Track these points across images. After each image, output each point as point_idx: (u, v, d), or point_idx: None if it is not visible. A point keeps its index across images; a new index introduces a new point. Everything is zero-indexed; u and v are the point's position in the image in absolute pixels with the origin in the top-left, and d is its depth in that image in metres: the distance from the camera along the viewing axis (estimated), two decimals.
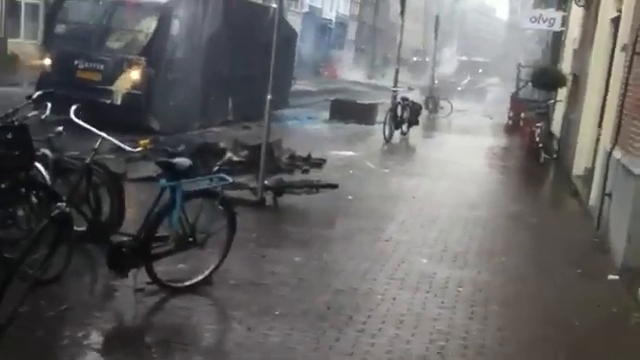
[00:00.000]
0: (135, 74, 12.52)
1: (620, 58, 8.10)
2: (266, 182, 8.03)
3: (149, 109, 12.55)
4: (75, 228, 4.79)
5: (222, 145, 10.52)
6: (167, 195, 4.83)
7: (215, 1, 14.65)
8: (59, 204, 4.55)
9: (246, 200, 7.65)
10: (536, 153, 13.50)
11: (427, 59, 44.89)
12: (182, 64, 13.42)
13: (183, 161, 5.00)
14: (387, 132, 15.28)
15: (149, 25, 13.03)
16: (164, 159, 5.22)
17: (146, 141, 5.51)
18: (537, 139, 13.59)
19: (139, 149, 5.54)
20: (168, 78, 13.01)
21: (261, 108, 8.28)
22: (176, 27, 13.36)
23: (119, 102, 12.42)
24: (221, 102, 15.12)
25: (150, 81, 12.63)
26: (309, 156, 10.92)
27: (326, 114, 19.33)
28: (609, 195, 7.17)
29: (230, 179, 5.38)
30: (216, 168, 8.88)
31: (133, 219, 5.54)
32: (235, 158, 9.83)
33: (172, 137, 11.37)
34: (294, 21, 33.48)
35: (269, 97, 7.94)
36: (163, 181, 4.86)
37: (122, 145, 5.20)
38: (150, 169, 7.47)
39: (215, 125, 14.32)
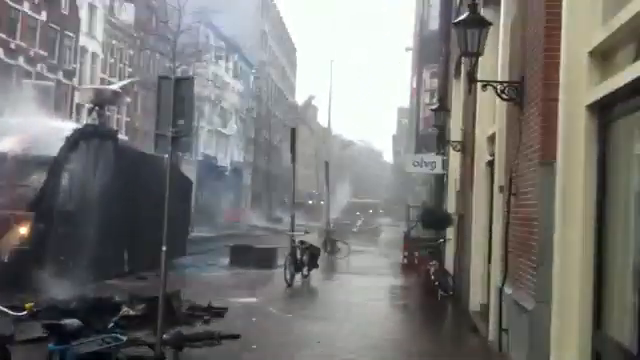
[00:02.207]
0: (23, 229, 12.14)
1: (499, 198, 8.65)
2: (165, 336, 7.74)
3: (39, 265, 12.04)
4: None
5: (117, 299, 10.17)
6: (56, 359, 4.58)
7: (107, 153, 14.70)
8: None
9: (144, 357, 7.32)
10: (433, 291, 13.84)
11: (322, 202, 46.11)
12: (74, 217, 13.15)
13: (72, 322, 4.81)
14: (288, 276, 15.31)
15: (38, 179, 12.82)
16: (51, 321, 5.00)
17: (30, 304, 5.26)
18: (432, 277, 13.99)
19: (24, 312, 5.27)
20: (59, 232, 12.67)
21: (158, 258, 8.17)
22: (67, 180, 13.22)
23: (6, 259, 11.88)
24: (116, 254, 14.79)
25: (39, 236, 12.25)
26: (209, 305, 10.70)
27: (226, 260, 19.21)
28: (506, 330, 7.38)
29: (124, 338, 5.20)
30: (111, 325, 8.51)
31: None
32: (131, 312, 9.49)
33: (64, 293, 10.85)
34: (189, 170, 33.91)
35: (164, 248, 7.86)
36: (51, 345, 4.62)
37: (5, 310, 4.96)
38: (40, 329, 7.07)
39: (110, 277, 13.86)
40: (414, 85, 44.31)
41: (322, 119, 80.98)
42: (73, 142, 13.67)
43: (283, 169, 62.09)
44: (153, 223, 12.17)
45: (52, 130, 14.08)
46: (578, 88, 5.28)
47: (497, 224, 8.65)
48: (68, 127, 14.82)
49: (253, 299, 12.70)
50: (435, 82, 26.22)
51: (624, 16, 4.42)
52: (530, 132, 6.56)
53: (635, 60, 4.37)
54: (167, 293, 8.33)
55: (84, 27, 38.27)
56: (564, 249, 5.47)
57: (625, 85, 4.37)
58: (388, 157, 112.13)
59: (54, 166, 13.02)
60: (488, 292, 9.80)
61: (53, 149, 13.18)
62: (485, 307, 10.05)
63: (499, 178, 8.62)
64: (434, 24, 27.16)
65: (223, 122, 58.09)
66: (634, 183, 4.46)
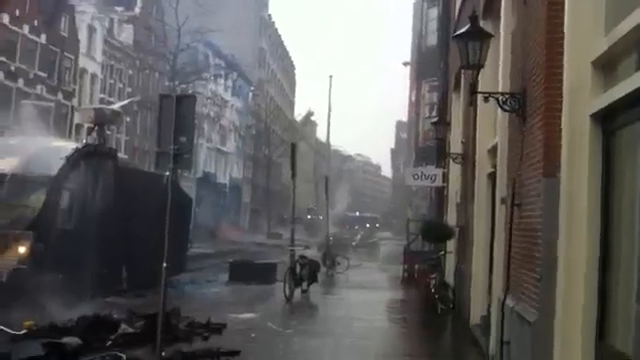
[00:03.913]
0: (22, 249, 12.06)
1: (501, 210, 8.61)
2: (164, 354, 7.66)
3: (37, 284, 11.93)
4: None
5: (116, 317, 10.07)
6: None
7: (106, 171, 14.67)
8: None
9: None
10: (433, 304, 13.75)
11: (321, 217, 46.07)
12: (73, 236, 13.09)
13: (72, 340, 4.76)
14: (287, 291, 15.23)
15: (37, 199, 12.76)
16: (51, 340, 4.94)
17: (30, 322, 5.22)
18: (433, 290, 13.90)
19: (23, 331, 5.22)
20: (58, 251, 12.58)
21: (156, 275, 8.10)
22: (66, 200, 13.16)
23: (4, 279, 11.79)
24: (114, 271, 14.69)
25: (38, 255, 12.16)
26: (208, 322, 10.60)
27: (225, 276, 19.14)
28: (507, 343, 7.30)
29: (123, 356, 5.13)
30: (110, 343, 8.43)
31: None
32: (130, 330, 9.40)
33: (63, 311, 10.76)
34: (188, 187, 33.91)
35: (165, 265, 7.79)
36: None
37: (3, 328, 4.90)
38: (38, 348, 6.97)
39: (109, 295, 13.74)
40: (413, 99, 44.52)
41: (321, 134, 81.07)
42: (73, 162, 13.64)
43: (282, 185, 62.06)
44: (152, 240, 12.15)
45: (52, 150, 14.05)
46: (581, 98, 5.25)
47: (499, 236, 8.60)
48: (68, 147, 14.79)
49: (252, 315, 12.61)
50: (434, 96, 26.31)
51: (626, 26, 4.40)
52: (533, 143, 6.52)
53: (638, 69, 4.35)
54: (166, 310, 8.26)
55: (83, 48, 38.41)
56: (568, 260, 5.42)
57: (628, 94, 4.34)
58: (386, 171, 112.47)
59: (54, 186, 12.98)
60: (489, 304, 9.74)
61: (53, 169, 13.14)
62: (486, 320, 9.98)
63: (501, 190, 8.57)
64: (432, 39, 27.30)
65: (222, 139, 58.19)
66: (639, 193, 4.41)
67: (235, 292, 16.55)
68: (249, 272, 18.76)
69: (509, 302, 7.33)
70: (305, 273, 16.37)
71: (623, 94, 4.46)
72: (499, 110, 7.68)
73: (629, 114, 4.51)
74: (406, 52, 61.61)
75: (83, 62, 38.51)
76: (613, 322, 4.86)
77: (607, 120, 5.00)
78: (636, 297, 4.33)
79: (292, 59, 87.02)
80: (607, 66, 5.05)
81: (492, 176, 9.91)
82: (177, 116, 8.03)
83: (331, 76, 56.03)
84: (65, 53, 36.39)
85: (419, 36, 37.27)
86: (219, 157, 58.00)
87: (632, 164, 4.64)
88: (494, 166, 9.52)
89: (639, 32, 4.25)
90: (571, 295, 5.38)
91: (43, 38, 34.25)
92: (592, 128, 5.16)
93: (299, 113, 76.91)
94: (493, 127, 9.89)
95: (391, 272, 23.31)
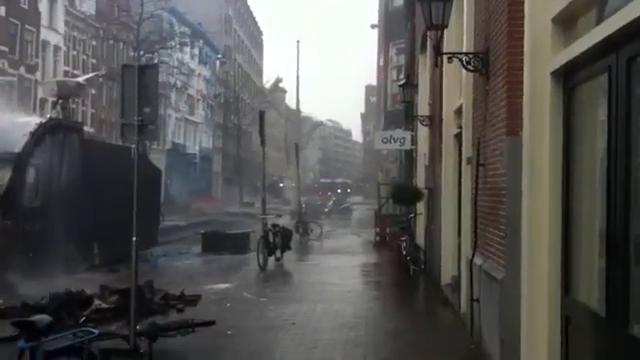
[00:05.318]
0: None
1: (467, 170, 8.69)
2: (139, 327, 7.64)
3: (5, 263, 11.81)
4: None
5: (88, 292, 10.00)
6: (27, 357, 4.48)
7: (72, 145, 14.46)
8: None
9: (119, 349, 7.18)
10: (405, 266, 13.91)
11: (293, 184, 46.15)
12: (41, 213, 12.94)
13: (42, 318, 4.72)
14: (261, 260, 15.28)
15: (2, 176, 12.54)
16: (21, 319, 4.90)
17: None
18: (404, 252, 14.04)
19: None
20: (26, 229, 12.43)
21: (128, 249, 8.03)
22: (32, 176, 12.97)
23: None
24: (85, 247, 14.57)
25: (5, 233, 12.00)
26: (182, 294, 10.58)
27: (198, 248, 19.10)
28: (477, 301, 7.44)
29: (96, 331, 5.11)
30: (83, 319, 8.40)
31: None
32: (104, 305, 9.35)
33: (34, 290, 10.66)
34: (157, 159, 33.58)
35: (134, 239, 7.73)
36: (22, 342, 4.53)
37: None
38: (9, 328, 6.91)
39: (81, 271, 13.65)
40: (381, 62, 44.28)
41: (290, 101, 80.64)
42: (38, 137, 13.40)
43: (253, 153, 61.78)
44: (122, 214, 12.05)
45: (16, 126, 13.78)
46: (542, 55, 5.27)
47: (466, 195, 8.70)
48: (32, 122, 14.50)
49: (227, 285, 12.65)
50: (402, 58, 26.24)
51: None
52: (496, 102, 6.56)
53: (596, 25, 4.37)
54: (139, 284, 8.22)
55: (45, 20, 37.46)
56: (532, 217, 5.50)
57: (587, 50, 4.36)
58: (357, 136, 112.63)
59: (19, 162, 12.76)
60: (459, 264, 9.89)
61: (17, 145, 12.91)
62: (456, 279, 10.14)
63: (467, 150, 8.64)
64: (398, 0, 27.11)
65: (190, 109, 57.57)
66: (599, 148, 4.46)
67: (208, 263, 16.56)
68: (222, 242, 18.76)
69: (477, 260, 7.44)
70: (278, 241, 16.42)
71: (582, 50, 4.47)
72: (464, 71, 7.69)
73: (588, 70, 4.54)
74: (374, 14, 61.19)
75: (45, 34, 37.61)
76: (578, 277, 4.95)
77: (567, 77, 5.03)
78: (599, 252, 4.42)
79: (259, 25, 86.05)
80: (567, 22, 5.06)
81: (458, 137, 9.96)
82: (140, 86, 7.87)
83: (298, 41, 55.62)
84: (26, 26, 35.51)
85: None
86: (188, 127, 57.47)
87: (592, 119, 4.70)
88: (460, 127, 9.56)
89: None
90: (536, 252, 5.47)
91: (2, 11, 33.36)
92: (553, 85, 5.19)
93: (268, 80, 76.40)
94: (459, 88, 9.91)
95: (364, 236, 23.50)
